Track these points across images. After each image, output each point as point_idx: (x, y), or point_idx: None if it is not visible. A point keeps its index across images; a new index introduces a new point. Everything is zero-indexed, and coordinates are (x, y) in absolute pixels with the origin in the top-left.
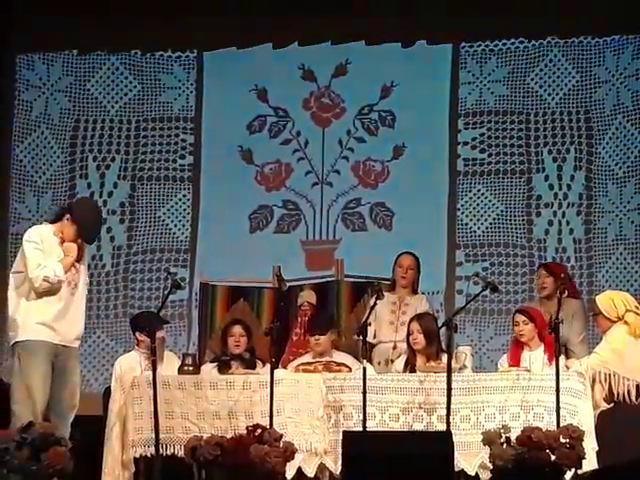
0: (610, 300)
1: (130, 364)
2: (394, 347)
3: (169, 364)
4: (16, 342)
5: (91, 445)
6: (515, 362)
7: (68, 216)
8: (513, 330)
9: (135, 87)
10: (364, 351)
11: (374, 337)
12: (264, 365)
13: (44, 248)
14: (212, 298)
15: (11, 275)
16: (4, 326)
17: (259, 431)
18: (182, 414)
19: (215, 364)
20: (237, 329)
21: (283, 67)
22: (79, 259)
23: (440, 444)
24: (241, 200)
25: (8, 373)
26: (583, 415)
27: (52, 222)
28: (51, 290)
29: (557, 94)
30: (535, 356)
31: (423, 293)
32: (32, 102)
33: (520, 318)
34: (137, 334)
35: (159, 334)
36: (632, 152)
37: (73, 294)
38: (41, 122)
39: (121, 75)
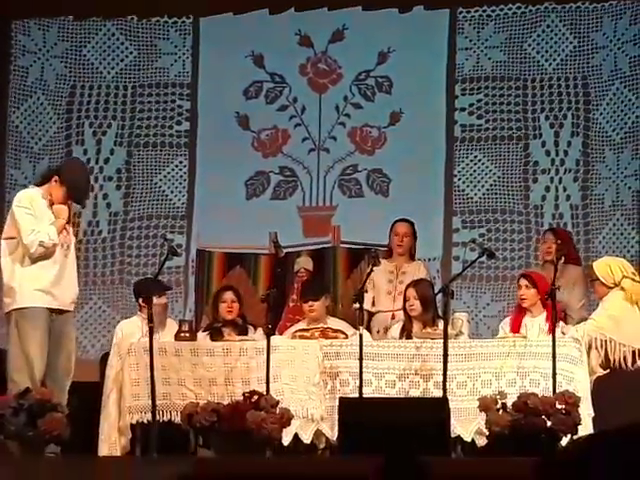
0: (607, 266)
1: (131, 329)
2: (392, 317)
3: (170, 331)
4: (13, 309)
5: (88, 411)
6: (515, 328)
7: (56, 178)
8: (517, 294)
9: (131, 53)
10: (361, 318)
11: (372, 305)
12: (256, 330)
13: (35, 212)
14: (208, 265)
15: (2, 241)
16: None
17: (255, 397)
18: (179, 380)
19: (207, 332)
20: (229, 295)
21: (279, 33)
22: (69, 220)
23: (436, 410)
24: (237, 166)
25: (4, 340)
26: (579, 381)
27: (39, 184)
28: (46, 254)
29: (554, 60)
30: (532, 323)
31: (420, 260)
32: (28, 68)
33: (523, 282)
34: (140, 299)
35: (161, 300)
36: (629, 118)
37: (66, 256)
38: (37, 88)
39: (117, 41)
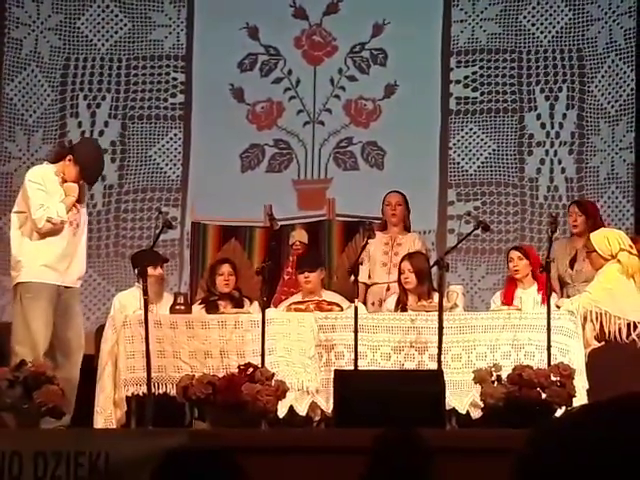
0: (605, 238)
1: (129, 300)
2: (387, 288)
3: (166, 303)
4: (19, 282)
5: (83, 384)
6: (508, 300)
7: (70, 157)
8: (507, 267)
9: (125, 25)
10: (356, 290)
11: (369, 278)
12: (251, 303)
13: (46, 189)
14: (203, 237)
15: (13, 214)
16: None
17: (251, 370)
18: (174, 353)
19: (202, 305)
20: (226, 268)
21: (274, 5)
22: (80, 200)
23: (431, 383)
24: (232, 139)
25: (9, 313)
26: (574, 353)
27: (53, 162)
28: (54, 231)
29: (549, 32)
30: (527, 295)
31: (415, 232)
32: (22, 40)
33: (515, 254)
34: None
35: (157, 272)
36: (624, 90)
37: (75, 234)
38: (31, 60)
39: (111, 13)
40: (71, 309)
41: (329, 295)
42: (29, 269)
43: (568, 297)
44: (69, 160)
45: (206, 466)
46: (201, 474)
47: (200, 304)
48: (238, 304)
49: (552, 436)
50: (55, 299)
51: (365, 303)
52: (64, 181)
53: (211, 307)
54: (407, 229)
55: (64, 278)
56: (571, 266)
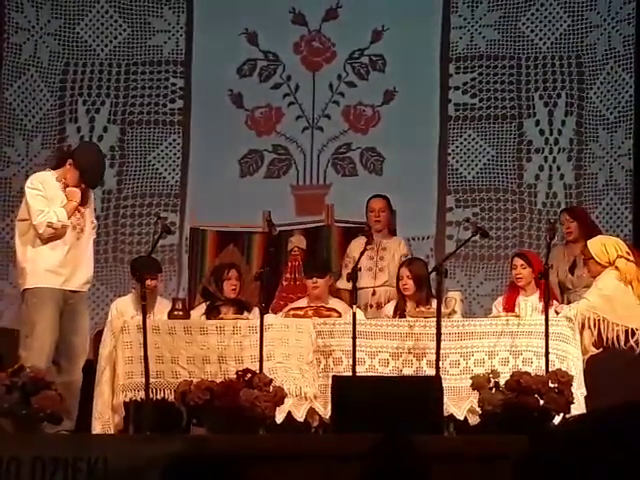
0: (602, 245)
1: (126, 306)
2: (373, 293)
3: (160, 310)
4: (25, 289)
5: (81, 389)
6: (509, 307)
7: (70, 161)
8: (511, 274)
9: (125, 30)
10: (354, 296)
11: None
12: (252, 310)
13: (47, 194)
14: (202, 243)
15: (17, 222)
16: None
17: (249, 376)
18: (172, 359)
19: (203, 312)
20: (234, 273)
21: (273, 11)
22: (84, 203)
23: (429, 389)
24: (231, 144)
25: (6, 318)
26: (572, 360)
27: (54, 168)
28: (56, 235)
29: (548, 38)
30: (526, 302)
31: (401, 237)
32: (21, 45)
33: (518, 262)
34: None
35: (152, 282)
36: (623, 97)
37: (79, 238)
38: (30, 65)
39: (110, 18)
40: (78, 314)
41: (335, 303)
42: (33, 275)
43: (569, 302)
44: (69, 165)
45: (210, 474)
46: None
47: (207, 309)
48: (243, 309)
49: (552, 444)
50: (61, 303)
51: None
52: (66, 186)
53: (212, 312)
54: (392, 232)
55: (70, 282)
56: (571, 272)
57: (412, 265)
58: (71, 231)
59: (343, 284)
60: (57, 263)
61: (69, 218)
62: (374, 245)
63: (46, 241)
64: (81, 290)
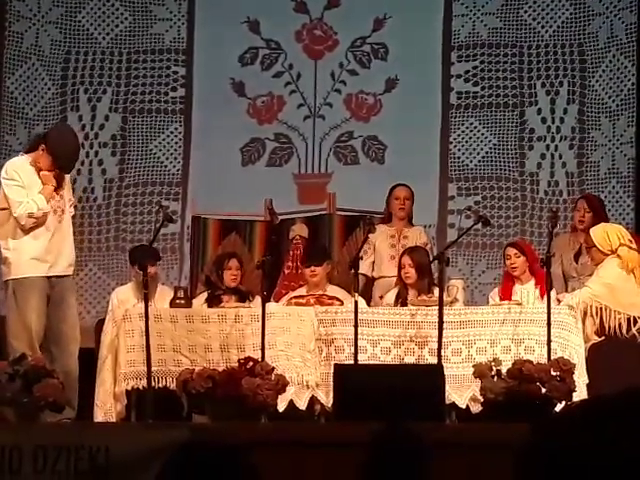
0: (605, 233)
1: (126, 295)
2: (396, 282)
3: (160, 298)
4: (9, 279)
5: (83, 378)
6: (507, 296)
7: (43, 146)
8: (504, 264)
9: (126, 19)
10: (356, 284)
11: (372, 271)
12: (253, 298)
13: (23, 182)
14: (203, 231)
15: None
16: None
17: (251, 364)
18: (174, 347)
19: (204, 300)
20: (234, 262)
21: None
22: (59, 186)
23: (431, 377)
24: (233, 133)
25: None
26: (574, 348)
27: (27, 152)
28: (38, 223)
29: (551, 27)
30: (527, 290)
31: (418, 226)
32: (23, 33)
33: (512, 251)
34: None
35: (153, 269)
36: (625, 85)
37: (60, 221)
38: (32, 54)
39: (112, 7)
40: (65, 301)
41: (334, 290)
42: (18, 264)
43: (573, 290)
44: (42, 150)
45: (222, 461)
46: (219, 469)
47: (208, 298)
48: (244, 298)
49: (554, 431)
50: (48, 291)
51: (372, 296)
52: (40, 170)
53: (214, 301)
54: (411, 222)
55: (54, 268)
56: (576, 260)
57: (414, 253)
58: (52, 215)
59: (365, 269)
60: (42, 251)
61: (48, 202)
62: (394, 233)
63: (28, 231)
64: (66, 274)
